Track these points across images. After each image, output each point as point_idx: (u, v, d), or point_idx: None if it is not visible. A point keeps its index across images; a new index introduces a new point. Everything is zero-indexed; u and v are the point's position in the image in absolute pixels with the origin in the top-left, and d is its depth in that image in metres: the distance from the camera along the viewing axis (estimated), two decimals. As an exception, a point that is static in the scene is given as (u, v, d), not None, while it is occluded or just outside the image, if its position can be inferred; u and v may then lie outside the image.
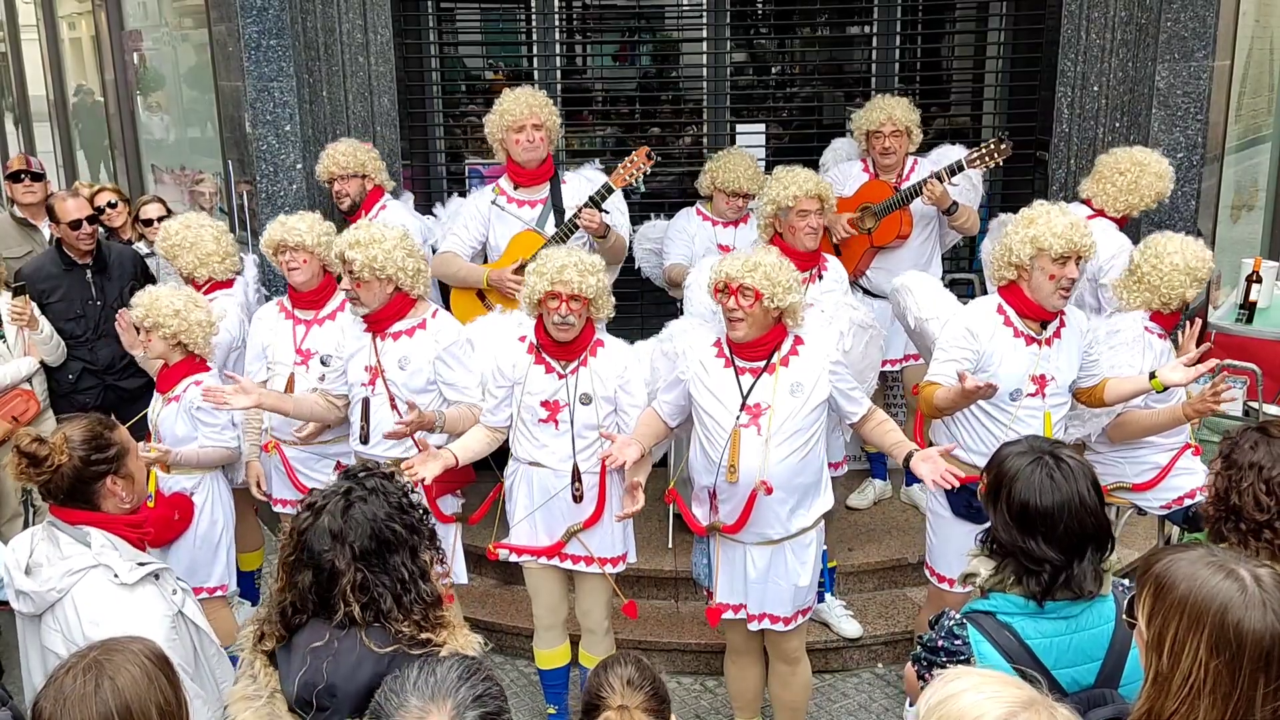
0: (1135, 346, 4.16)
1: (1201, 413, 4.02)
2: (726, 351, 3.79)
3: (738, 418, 3.71)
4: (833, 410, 3.84)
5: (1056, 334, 3.95)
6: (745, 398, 3.72)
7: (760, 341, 3.71)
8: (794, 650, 4.01)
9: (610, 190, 4.77)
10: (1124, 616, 2.00)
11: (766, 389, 3.71)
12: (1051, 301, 3.85)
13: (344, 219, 5.14)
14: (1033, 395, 3.91)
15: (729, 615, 3.92)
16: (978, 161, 4.90)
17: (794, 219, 4.51)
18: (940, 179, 4.92)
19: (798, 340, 3.78)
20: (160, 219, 5.80)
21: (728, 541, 3.87)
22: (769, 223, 4.63)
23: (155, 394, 4.44)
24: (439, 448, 3.92)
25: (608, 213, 4.79)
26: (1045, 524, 2.38)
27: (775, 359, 3.73)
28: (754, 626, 3.91)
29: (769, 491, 3.67)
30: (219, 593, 4.36)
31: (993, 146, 4.86)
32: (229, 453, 4.36)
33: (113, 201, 5.97)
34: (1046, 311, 3.88)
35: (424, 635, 2.39)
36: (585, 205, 4.74)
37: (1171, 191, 5.40)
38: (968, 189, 5.21)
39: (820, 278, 4.66)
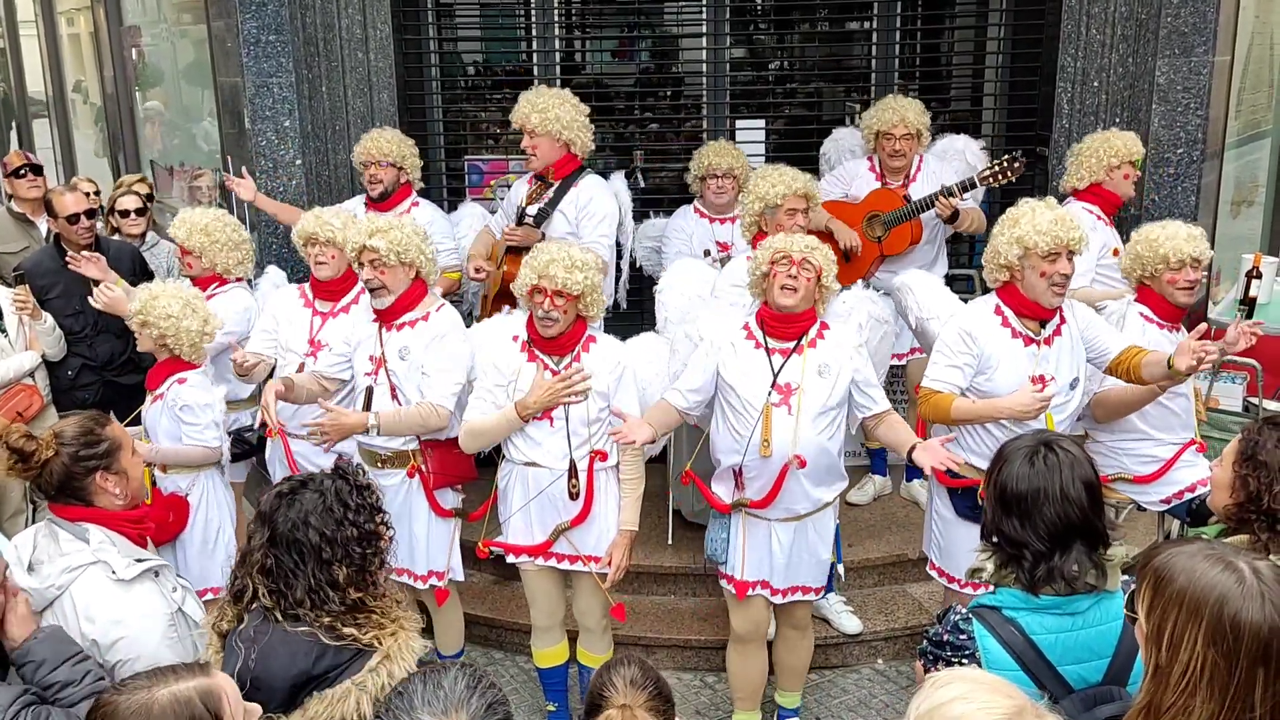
0: (1116, 326, 4.14)
1: (1187, 368, 3.91)
2: (757, 334, 3.89)
3: (769, 396, 3.80)
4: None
5: (1057, 332, 3.93)
6: (776, 377, 3.82)
7: (798, 319, 3.82)
8: (804, 619, 4.21)
9: (522, 209, 4.93)
10: (1125, 611, 2.00)
11: (795, 369, 3.83)
12: (1047, 299, 3.83)
13: (366, 206, 5.21)
14: None
15: (753, 592, 4.01)
16: (989, 179, 4.92)
17: (781, 217, 4.51)
18: (951, 194, 4.93)
19: (823, 325, 3.91)
20: (137, 211, 5.79)
21: (753, 519, 3.96)
22: (754, 220, 4.62)
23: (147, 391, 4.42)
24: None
25: (529, 223, 4.93)
26: (1020, 507, 2.39)
27: (804, 341, 3.85)
28: (780, 600, 4.04)
29: (802, 465, 3.80)
30: (222, 593, 4.31)
31: (1005, 164, 4.89)
32: (208, 452, 4.22)
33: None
34: (1044, 310, 3.87)
35: (345, 630, 2.41)
36: (511, 224, 4.97)
37: (1170, 186, 5.43)
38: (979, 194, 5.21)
39: None
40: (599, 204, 4.92)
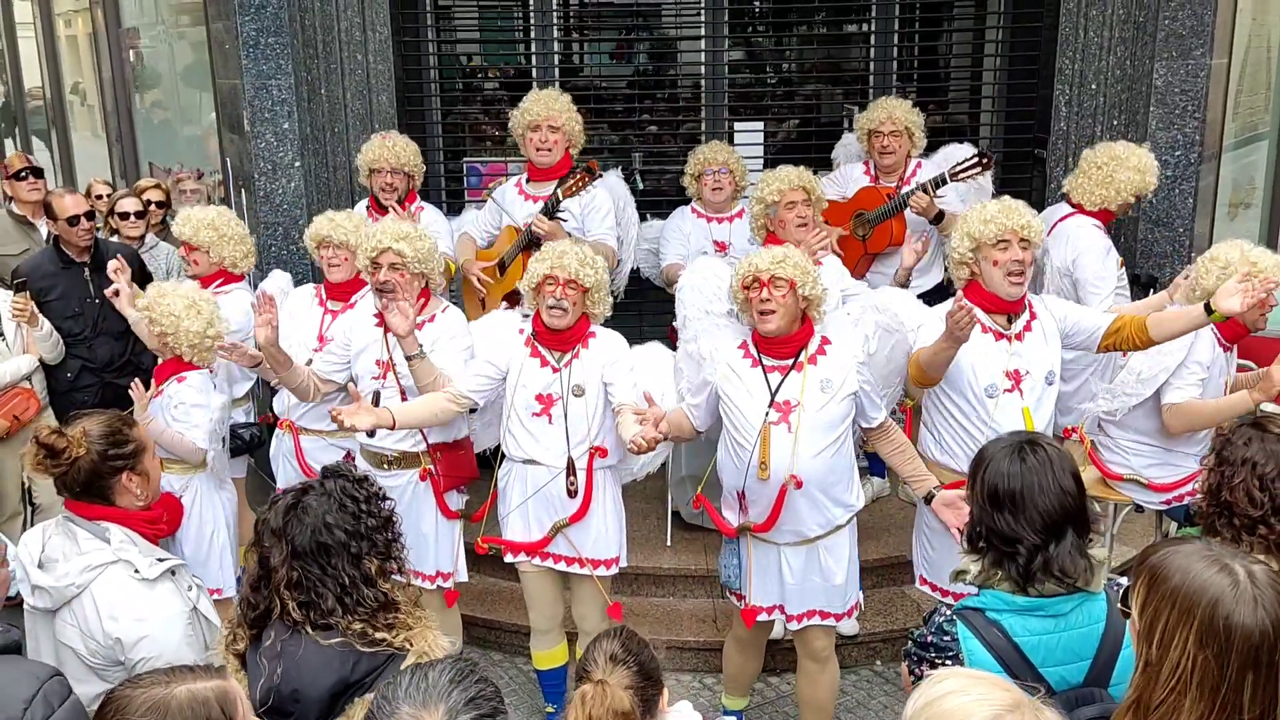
0: (1187, 335, 4.07)
1: (1269, 392, 3.96)
2: (753, 352, 3.80)
3: (766, 415, 3.70)
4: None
5: (1027, 328, 3.91)
6: (774, 395, 3.71)
7: (790, 338, 3.72)
8: (824, 650, 3.99)
9: (558, 200, 4.85)
10: (1118, 606, 2.01)
11: (795, 386, 3.71)
12: (1005, 289, 3.81)
13: (370, 210, 5.18)
14: (1009, 391, 3.87)
15: (764, 617, 3.92)
16: (962, 175, 4.93)
17: (783, 212, 4.58)
18: (926, 190, 4.95)
19: (825, 340, 3.80)
20: (136, 214, 5.79)
21: (760, 543, 3.85)
22: (762, 224, 4.71)
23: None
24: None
25: (565, 220, 4.88)
26: (1013, 503, 2.40)
27: (803, 357, 3.74)
28: (795, 626, 3.90)
29: (799, 485, 3.68)
30: (215, 596, 4.20)
31: (977, 159, 4.91)
32: (191, 448, 4.14)
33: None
34: (1006, 302, 3.85)
35: (377, 635, 2.41)
36: (540, 213, 4.88)
37: (1168, 189, 5.42)
38: (972, 196, 5.20)
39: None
40: (601, 199, 5.05)
